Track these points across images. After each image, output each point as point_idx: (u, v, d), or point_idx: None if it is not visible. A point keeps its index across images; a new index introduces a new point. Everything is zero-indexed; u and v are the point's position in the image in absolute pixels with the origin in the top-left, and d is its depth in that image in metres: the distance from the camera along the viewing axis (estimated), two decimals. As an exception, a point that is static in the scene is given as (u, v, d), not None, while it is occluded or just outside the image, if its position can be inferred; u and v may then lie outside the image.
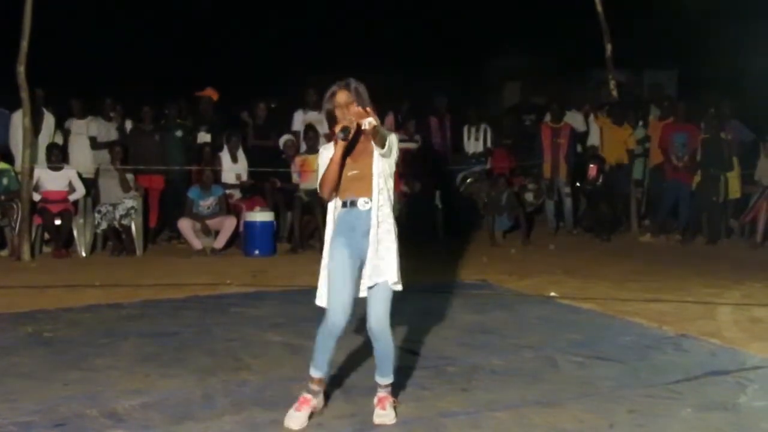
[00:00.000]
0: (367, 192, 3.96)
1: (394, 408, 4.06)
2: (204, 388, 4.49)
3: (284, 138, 10.48)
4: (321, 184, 3.99)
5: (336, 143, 3.92)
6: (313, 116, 10.68)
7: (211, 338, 5.61)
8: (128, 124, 10.57)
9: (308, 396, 4.00)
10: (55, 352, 5.23)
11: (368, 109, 3.80)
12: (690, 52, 14.56)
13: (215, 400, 4.30)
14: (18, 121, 9.32)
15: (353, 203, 3.98)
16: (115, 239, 9.42)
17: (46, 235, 9.35)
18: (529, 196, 10.87)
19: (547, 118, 11.24)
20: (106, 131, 10.30)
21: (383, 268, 4.02)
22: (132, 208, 9.35)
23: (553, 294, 7.10)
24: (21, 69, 8.76)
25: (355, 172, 3.95)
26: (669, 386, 4.57)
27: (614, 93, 11.18)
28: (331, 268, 3.97)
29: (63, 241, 9.24)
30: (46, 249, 9.34)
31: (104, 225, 9.34)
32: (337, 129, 3.87)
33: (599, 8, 10.60)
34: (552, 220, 11.11)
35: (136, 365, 4.94)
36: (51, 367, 4.88)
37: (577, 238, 10.72)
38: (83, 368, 4.87)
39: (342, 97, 3.93)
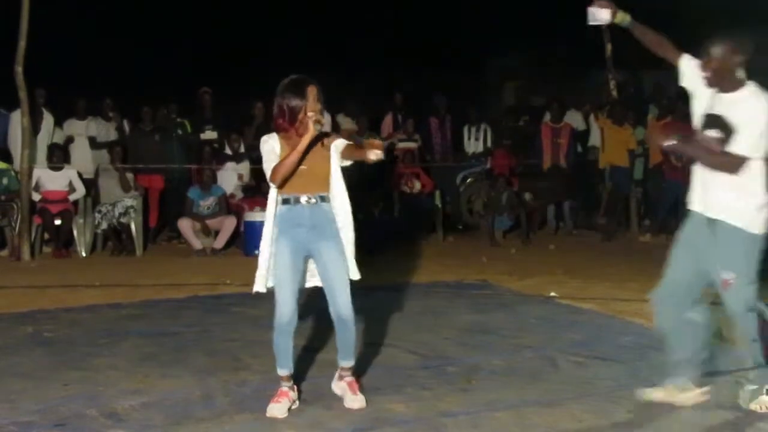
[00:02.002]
0: (315, 188, 4.10)
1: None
2: (204, 388, 4.49)
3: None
4: (275, 172, 4.02)
5: (282, 131, 4.09)
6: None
7: (211, 338, 5.62)
8: (126, 124, 10.58)
9: (285, 389, 4.15)
10: (55, 352, 5.24)
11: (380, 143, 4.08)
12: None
13: (215, 400, 4.30)
14: (17, 120, 9.33)
15: (297, 200, 4.10)
16: (115, 239, 9.42)
17: (46, 235, 9.35)
18: (528, 196, 10.88)
19: (547, 117, 11.24)
20: (106, 131, 10.31)
21: (347, 264, 4.22)
22: (131, 207, 9.35)
23: (553, 294, 7.10)
24: (19, 69, 8.76)
25: (304, 167, 4.05)
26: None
27: (614, 93, 11.18)
28: (276, 268, 4.10)
29: (63, 241, 9.24)
30: (46, 249, 9.34)
31: (104, 225, 9.34)
32: (313, 119, 3.98)
33: (599, 8, 10.59)
34: (552, 220, 11.11)
35: (136, 365, 4.94)
36: (51, 367, 4.88)
37: (577, 239, 10.72)
38: (83, 368, 4.87)
39: (314, 92, 4.06)
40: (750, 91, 3.90)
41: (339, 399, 4.32)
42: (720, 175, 3.90)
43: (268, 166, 4.06)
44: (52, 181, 9.33)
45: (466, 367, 4.91)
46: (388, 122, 11.63)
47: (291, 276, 4.08)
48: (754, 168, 3.89)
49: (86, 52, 14.03)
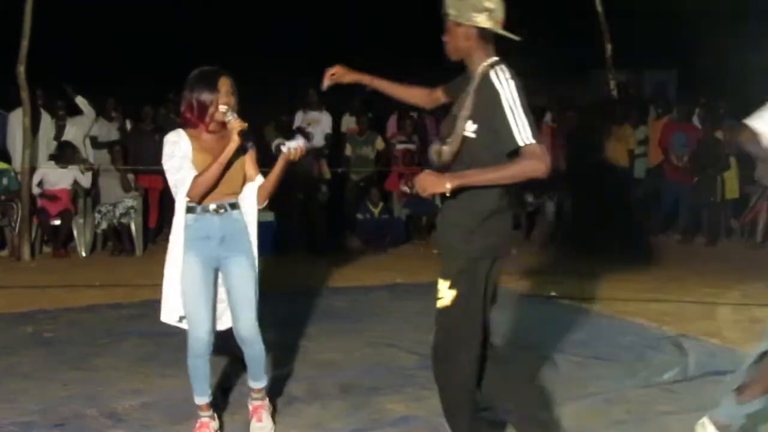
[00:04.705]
0: (225, 194, 3.72)
1: (273, 416, 3.96)
2: (204, 388, 4.49)
3: (276, 142, 10.44)
4: (196, 187, 3.62)
5: (190, 127, 3.71)
6: (313, 116, 10.70)
7: (211, 338, 5.61)
8: (129, 124, 10.58)
9: (205, 419, 3.85)
10: (55, 352, 5.24)
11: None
12: (690, 52, 14.55)
13: (215, 400, 4.30)
14: (15, 120, 9.32)
15: (205, 209, 3.72)
16: (115, 239, 9.42)
17: (46, 236, 9.35)
18: (528, 197, 10.86)
19: (547, 118, 11.23)
20: (107, 131, 10.31)
21: (256, 279, 3.81)
22: (131, 207, 9.35)
23: (553, 294, 7.10)
24: (21, 69, 8.74)
25: None
26: (668, 386, 4.59)
27: (614, 93, 11.17)
28: (185, 284, 3.68)
29: (62, 240, 9.24)
30: (46, 249, 9.34)
31: (104, 225, 9.33)
32: (237, 127, 3.58)
33: (599, 8, 10.61)
34: (552, 221, 11.08)
35: (136, 365, 4.95)
36: (51, 367, 4.88)
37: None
38: (83, 368, 4.88)
39: (226, 84, 3.67)
40: None
41: (338, 399, 4.33)
42: None
43: (180, 176, 3.64)
44: (57, 179, 9.31)
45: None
46: (392, 122, 11.62)
47: (204, 294, 3.67)
48: None
49: (86, 51, 14.03)
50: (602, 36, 10.83)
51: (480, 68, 3.23)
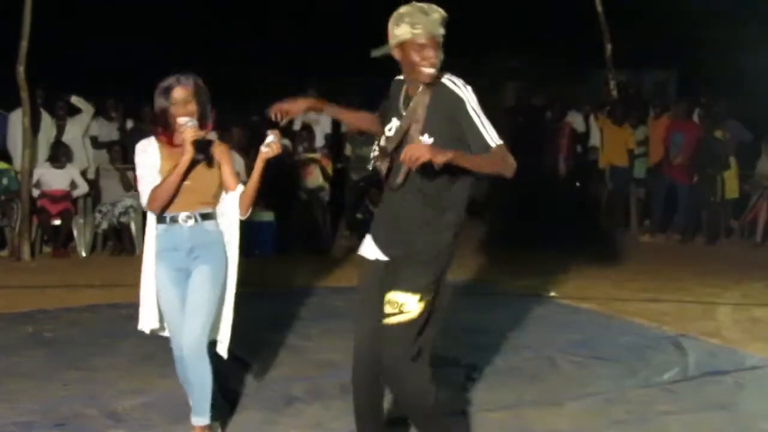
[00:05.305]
0: (197, 204, 3.65)
1: None
2: (204, 388, 4.49)
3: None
4: (154, 198, 3.57)
5: (157, 136, 3.66)
6: (313, 116, 10.70)
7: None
8: (128, 124, 10.58)
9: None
10: (55, 352, 5.24)
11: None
12: (690, 52, 14.55)
13: (215, 400, 4.30)
14: (15, 120, 9.32)
15: (174, 219, 3.64)
16: (115, 239, 9.42)
17: (46, 236, 9.35)
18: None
19: (548, 118, 11.22)
20: (107, 131, 10.30)
21: (216, 293, 3.75)
22: (131, 206, 9.35)
23: (553, 294, 7.10)
24: (21, 69, 8.74)
25: (187, 182, 3.60)
26: (668, 386, 4.59)
27: (614, 93, 11.18)
28: (160, 300, 3.72)
29: (62, 240, 9.24)
30: (46, 249, 9.34)
31: (105, 225, 9.33)
32: (189, 137, 3.50)
33: (599, 8, 10.60)
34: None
35: (136, 365, 4.95)
36: (51, 367, 4.89)
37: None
38: (83, 368, 4.88)
39: (179, 93, 3.55)
40: None
41: (338, 399, 4.33)
42: None
43: (144, 186, 3.62)
44: (54, 179, 9.31)
45: (466, 367, 4.91)
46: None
47: (178, 307, 3.67)
48: None
49: (86, 51, 14.04)
50: (602, 36, 10.84)
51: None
